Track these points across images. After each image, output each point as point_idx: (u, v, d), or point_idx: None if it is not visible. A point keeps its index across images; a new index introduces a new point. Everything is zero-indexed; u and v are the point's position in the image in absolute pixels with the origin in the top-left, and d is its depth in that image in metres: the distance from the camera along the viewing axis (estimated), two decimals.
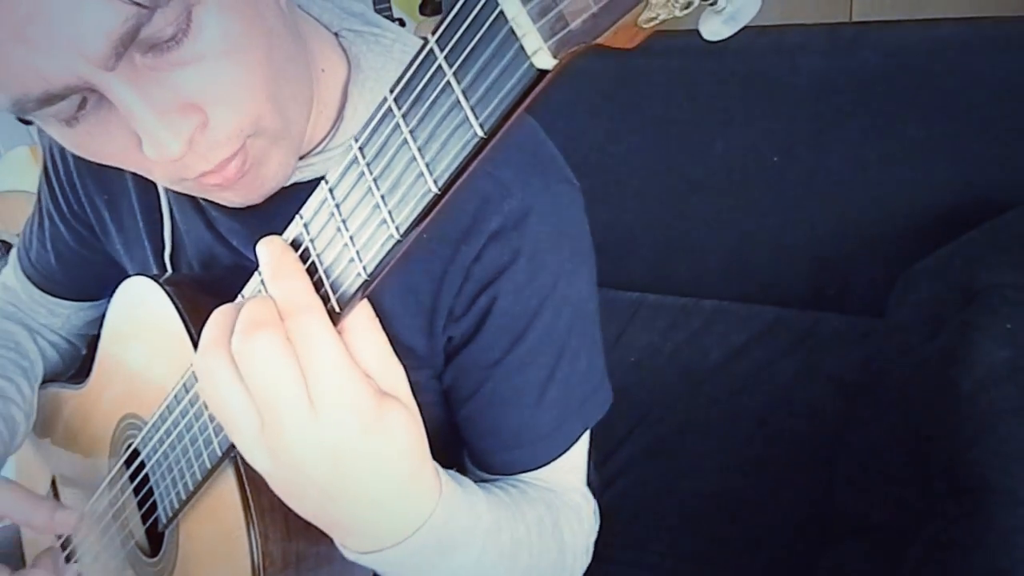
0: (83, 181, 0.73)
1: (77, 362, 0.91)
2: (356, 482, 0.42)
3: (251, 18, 0.46)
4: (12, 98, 0.42)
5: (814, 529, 1.02)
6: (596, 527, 0.71)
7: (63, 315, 0.88)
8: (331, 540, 0.56)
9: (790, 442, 1.15)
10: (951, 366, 0.96)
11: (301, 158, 0.58)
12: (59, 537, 0.76)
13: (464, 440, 0.68)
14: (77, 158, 0.72)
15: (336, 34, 0.62)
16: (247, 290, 0.46)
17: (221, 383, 0.41)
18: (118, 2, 0.39)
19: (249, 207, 0.56)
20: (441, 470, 0.49)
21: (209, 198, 0.56)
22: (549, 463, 0.65)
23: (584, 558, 0.68)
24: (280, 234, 0.44)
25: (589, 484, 0.91)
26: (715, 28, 0.27)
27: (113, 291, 0.69)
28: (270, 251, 0.42)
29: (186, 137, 0.45)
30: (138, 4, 0.39)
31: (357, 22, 0.62)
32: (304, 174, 0.59)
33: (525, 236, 0.58)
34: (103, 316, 0.72)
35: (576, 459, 0.68)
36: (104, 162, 0.51)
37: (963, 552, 0.80)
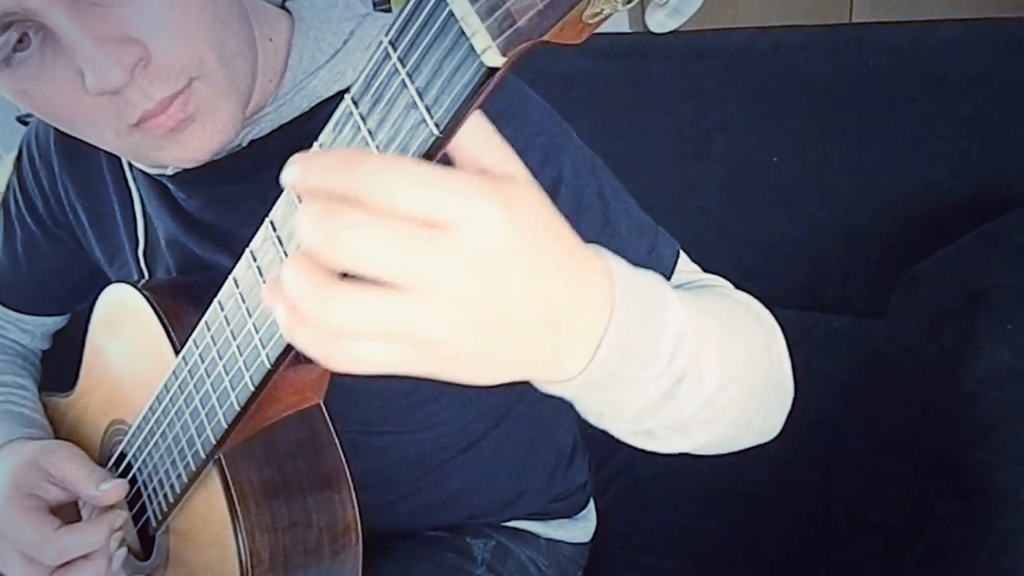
0: (66, 189, 0.73)
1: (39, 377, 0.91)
2: (532, 269, 0.33)
3: None
4: None
5: (815, 531, 1.01)
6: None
7: (29, 331, 0.88)
8: (318, 536, 0.56)
9: (790, 443, 1.14)
10: (952, 367, 0.95)
11: (252, 114, 0.59)
12: None
13: None
14: (62, 165, 0.73)
15: (283, 2, 0.63)
16: (222, 294, 0.46)
17: (340, 314, 0.31)
18: None
19: (214, 175, 0.57)
20: None
21: (160, 160, 0.56)
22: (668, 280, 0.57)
23: (775, 324, 0.59)
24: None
25: (585, 485, 0.91)
26: (660, 20, 0.27)
27: (83, 302, 0.70)
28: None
29: (126, 66, 0.46)
30: None
31: None
32: (261, 128, 0.60)
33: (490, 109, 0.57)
34: (80, 327, 0.73)
35: (689, 267, 0.63)
36: (50, 113, 0.51)
37: (964, 554, 0.80)
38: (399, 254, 0.29)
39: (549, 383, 0.40)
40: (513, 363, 0.36)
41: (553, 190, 0.57)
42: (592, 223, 0.58)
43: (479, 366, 0.35)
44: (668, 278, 0.59)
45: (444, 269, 0.30)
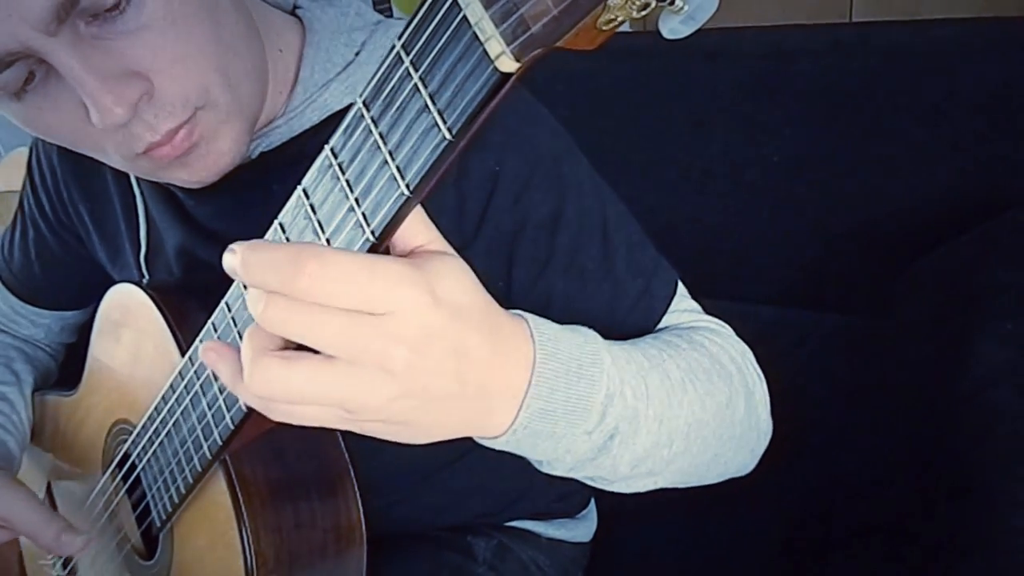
0: (69, 191, 0.73)
1: (55, 373, 0.91)
2: (455, 344, 0.37)
3: None
4: None
5: (813, 531, 1.01)
6: (746, 348, 0.62)
7: (45, 325, 0.88)
8: (323, 537, 0.56)
9: (790, 443, 1.14)
10: (952, 366, 0.95)
11: (263, 126, 0.59)
12: None
13: None
14: (64, 167, 0.73)
15: (294, 7, 0.62)
16: (229, 296, 0.46)
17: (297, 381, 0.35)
18: None
19: (224, 185, 0.56)
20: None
21: (166, 179, 0.56)
22: (658, 323, 0.60)
23: (755, 374, 0.60)
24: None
25: (587, 484, 0.91)
26: (674, 27, 0.27)
27: (99, 299, 0.70)
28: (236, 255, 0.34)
29: (130, 102, 0.46)
30: None
31: None
32: (272, 139, 0.59)
33: (497, 133, 0.55)
34: (90, 324, 0.72)
35: (684, 305, 0.62)
36: (57, 139, 0.52)
37: (963, 555, 0.80)
38: (333, 336, 0.34)
39: (481, 439, 0.44)
40: (442, 426, 0.41)
41: (553, 223, 0.57)
42: (590, 258, 0.59)
43: (410, 430, 0.40)
44: (659, 320, 0.60)
45: (374, 347, 0.34)
